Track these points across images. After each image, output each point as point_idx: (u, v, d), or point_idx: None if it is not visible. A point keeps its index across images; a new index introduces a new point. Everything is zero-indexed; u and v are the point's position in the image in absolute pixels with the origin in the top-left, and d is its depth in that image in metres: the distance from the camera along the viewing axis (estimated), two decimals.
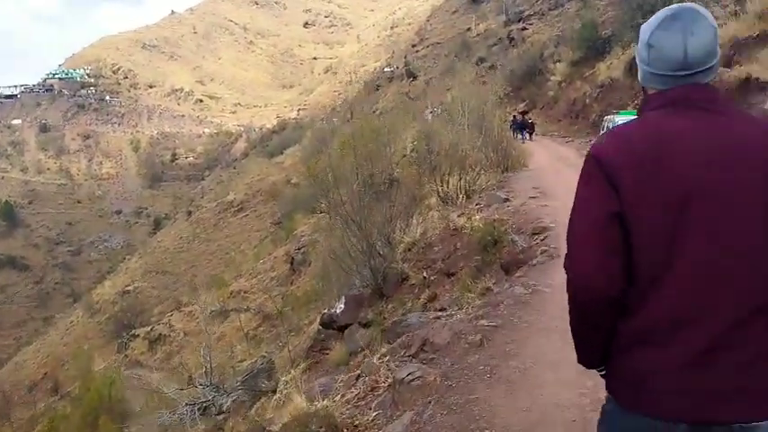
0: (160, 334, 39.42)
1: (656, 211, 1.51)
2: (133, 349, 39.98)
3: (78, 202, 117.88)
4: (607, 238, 1.55)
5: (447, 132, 16.60)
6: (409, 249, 10.44)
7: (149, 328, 41.48)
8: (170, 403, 11.48)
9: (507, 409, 3.92)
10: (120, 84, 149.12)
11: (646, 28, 1.69)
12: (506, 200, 11.40)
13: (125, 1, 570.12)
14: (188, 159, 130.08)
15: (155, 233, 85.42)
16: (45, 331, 64.54)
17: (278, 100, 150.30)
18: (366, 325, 8.73)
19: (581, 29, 29.27)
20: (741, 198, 1.52)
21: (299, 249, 31.10)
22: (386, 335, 6.39)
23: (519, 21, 48.10)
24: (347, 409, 4.62)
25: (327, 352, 9.28)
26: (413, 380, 4.42)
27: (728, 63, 13.12)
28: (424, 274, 9.01)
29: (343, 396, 4.64)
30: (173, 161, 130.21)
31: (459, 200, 12.55)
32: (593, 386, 3.68)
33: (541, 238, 8.00)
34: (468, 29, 60.25)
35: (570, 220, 1.65)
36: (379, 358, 5.06)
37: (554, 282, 5.93)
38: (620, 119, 14.22)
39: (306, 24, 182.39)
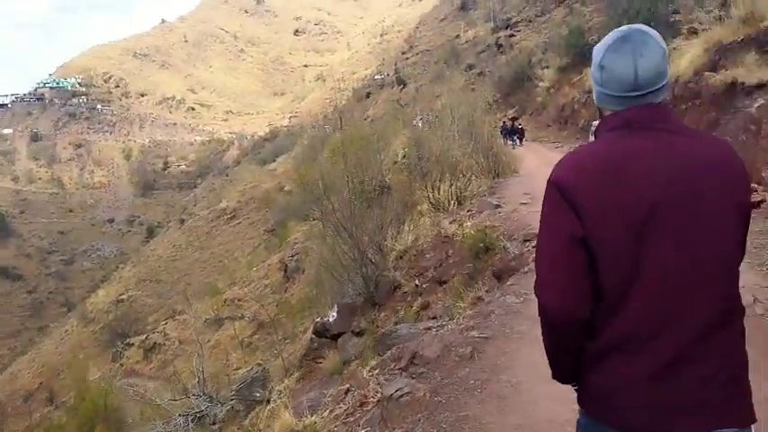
0: (155, 342, 39.28)
1: (619, 233, 1.53)
2: (128, 358, 39.83)
3: (70, 211, 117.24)
4: (573, 264, 1.57)
5: (437, 139, 16.64)
6: (401, 257, 10.47)
7: (144, 337, 41.32)
8: (164, 414, 11.46)
9: (498, 426, 3.82)
10: (111, 92, 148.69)
11: (598, 50, 1.72)
12: (497, 206, 11.40)
13: (115, 10, 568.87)
14: (180, 167, 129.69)
15: (148, 241, 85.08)
16: (39, 341, 64.06)
17: (269, 107, 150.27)
18: (359, 333, 8.78)
19: (568, 35, 29.39)
20: (704, 213, 1.55)
21: (292, 257, 31.13)
22: (376, 346, 6.39)
23: (507, 27, 48.26)
24: (335, 426, 4.56)
25: (321, 361, 9.32)
26: (401, 396, 4.33)
27: (714, 68, 13.24)
28: (416, 282, 9.06)
29: (331, 411, 4.59)
30: (165, 169, 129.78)
31: (451, 206, 12.57)
32: None
33: (533, 244, 8.00)
34: (457, 36, 60.51)
35: (537, 246, 1.70)
36: (369, 371, 5.02)
37: None
38: None
39: (296, 32, 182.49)
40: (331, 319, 9.87)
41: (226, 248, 54.76)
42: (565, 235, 1.58)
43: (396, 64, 72.21)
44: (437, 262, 9.17)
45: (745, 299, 4.81)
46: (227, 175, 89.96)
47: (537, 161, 19.12)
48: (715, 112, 12.58)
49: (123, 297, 56.75)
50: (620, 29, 1.71)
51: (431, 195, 13.27)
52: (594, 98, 1.78)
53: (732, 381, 1.55)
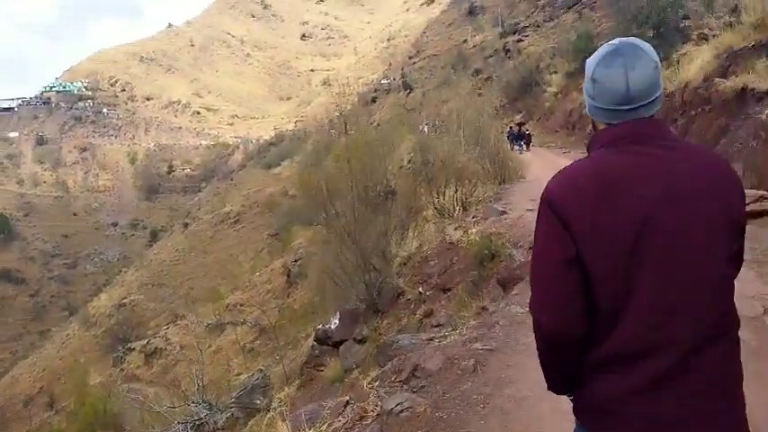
0: (156, 347, 39.16)
1: (611, 251, 1.55)
2: (129, 363, 39.71)
3: (74, 214, 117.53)
4: (566, 283, 1.60)
5: (443, 144, 16.51)
6: (405, 263, 10.31)
7: (145, 342, 41.20)
8: (164, 420, 11.31)
9: None
10: (117, 96, 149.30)
11: (590, 63, 1.72)
12: (503, 212, 11.23)
13: (122, 15, 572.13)
14: (185, 171, 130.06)
15: (151, 245, 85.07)
16: (41, 345, 64.05)
17: (275, 112, 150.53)
18: (361, 341, 8.60)
19: (576, 40, 29.30)
20: (697, 229, 1.55)
21: (295, 261, 31.00)
22: (377, 357, 6.22)
23: (514, 32, 48.30)
24: None
25: (322, 368, 9.14)
26: (402, 411, 4.19)
27: (724, 74, 13.07)
28: (420, 289, 8.89)
29: (330, 425, 4.42)
30: (169, 173, 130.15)
31: (456, 212, 12.42)
32: None
33: None
34: (465, 41, 60.55)
35: (531, 264, 1.72)
36: (369, 383, 4.87)
37: None
38: None
39: (303, 37, 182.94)
40: (333, 326, 9.70)
41: (229, 253, 54.65)
42: (558, 254, 1.60)
43: (402, 69, 72.21)
44: (441, 269, 9.00)
45: (755, 309, 4.67)
46: (231, 180, 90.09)
47: (544, 167, 18.96)
48: (725, 119, 12.42)
49: (125, 301, 56.66)
50: (611, 42, 1.72)
51: (436, 201, 13.11)
52: (587, 111, 1.79)
53: (725, 395, 1.56)
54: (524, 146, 25.33)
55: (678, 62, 16.29)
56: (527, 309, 6.12)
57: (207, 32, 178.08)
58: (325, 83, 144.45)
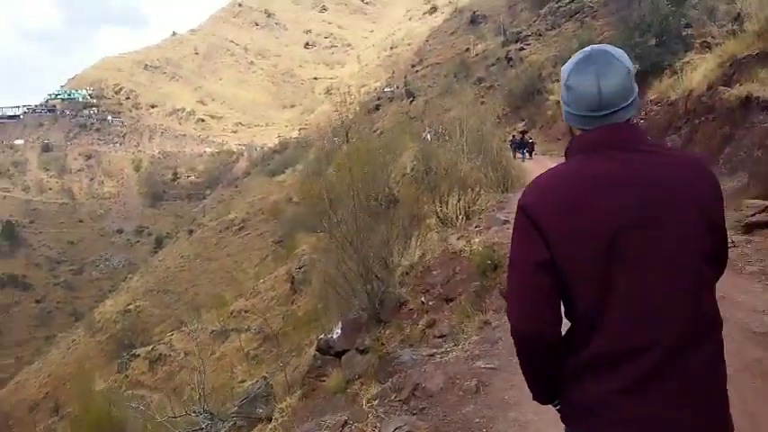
0: (161, 354, 39.09)
1: (585, 257, 1.56)
2: (134, 369, 39.65)
3: (80, 221, 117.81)
4: (539, 287, 1.62)
5: (446, 152, 16.53)
6: (407, 273, 10.27)
7: (150, 348, 41.16)
8: (166, 430, 11.28)
9: None
10: (122, 104, 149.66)
11: (564, 70, 1.75)
12: (506, 221, 11.20)
13: (127, 23, 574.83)
14: (189, 178, 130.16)
15: (156, 252, 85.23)
16: (47, 350, 64.10)
17: (279, 119, 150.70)
18: (363, 351, 8.56)
19: (578, 49, 29.27)
20: (670, 232, 1.56)
21: (299, 268, 30.97)
22: (377, 372, 6.16)
23: (517, 41, 48.32)
24: None
25: (324, 379, 9.08)
26: None
27: (728, 82, 13.06)
28: (423, 299, 8.85)
29: None
30: (174, 180, 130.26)
31: (459, 221, 12.40)
32: None
33: None
34: (467, 49, 60.66)
35: (507, 270, 1.75)
36: (368, 401, 4.79)
37: None
38: None
39: (306, 45, 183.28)
40: (335, 336, 9.65)
41: (234, 260, 54.68)
42: (531, 259, 1.62)
43: (405, 77, 72.28)
44: (444, 279, 8.97)
45: (765, 325, 4.60)
46: (236, 187, 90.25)
47: None
48: (729, 128, 12.38)
49: (131, 307, 56.69)
50: (584, 49, 1.75)
51: (438, 210, 13.10)
52: (563, 117, 1.82)
53: (710, 395, 1.58)
54: (527, 154, 25.33)
55: (682, 70, 16.26)
56: None
57: (211, 41, 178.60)
58: (328, 91, 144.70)
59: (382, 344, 8.37)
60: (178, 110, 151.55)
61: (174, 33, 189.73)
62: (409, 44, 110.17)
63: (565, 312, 1.69)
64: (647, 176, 1.59)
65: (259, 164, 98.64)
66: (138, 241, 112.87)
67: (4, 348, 79.52)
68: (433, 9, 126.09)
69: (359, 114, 58.10)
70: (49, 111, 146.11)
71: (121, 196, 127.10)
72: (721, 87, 12.94)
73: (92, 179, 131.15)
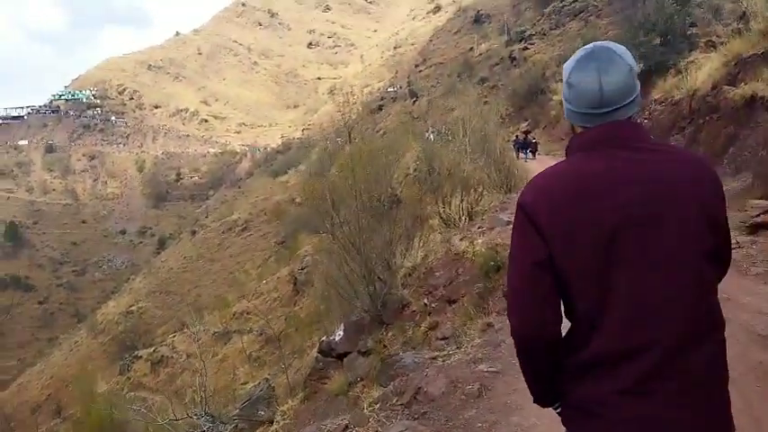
0: (163, 356, 39.06)
1: (585, 255, 1.55)
2: (136, 371, 39.64)
3: (83, 221, 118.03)
4: (537, 285, 1.61)
5: (449, 152, 16.45)
6: (410, 274, 10.19)
7: (152, 350, 41.16)
8: None
9: None
10: (125, 104, 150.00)
11: (566, 67, 1.73)
12: (509, 222, 11.09)
13: (130, 23, 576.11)
14: (192, 179, 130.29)
15: (159, 253, 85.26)
16: (49, 352, 64.18)
17: (282, 120, 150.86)
18: (365, 353, 8.49)
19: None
20: (670, 230, 1.55)
21: (302, 269, 30.90)
22: (379, 376, 6.09)
23: (521, 41, 48.28)
24: None
25: (326, 381, 9.02)
26: None
27: (733, 81, 12.96)
28: (425, 300, 8.78)
29: None
30: (177, 181, 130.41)
31: (462, 222, 12.32)
32: None
33: None
34: (471, 49, 60.65)
35: (507, 269, 1.73)
36: (370, 405, 4.72)
37: None
38: None
39: (309, 45, 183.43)
40: (337, 338, 9.60)
41: (237, 260, 54.63)
42: (530, 258, 1.61)
43: (409, 77, 72.29)
44: (447, 280, 8.89)
45: None
46: (239, 187, 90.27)
47: None
48: (734, 127, 12.29)
49: (133, 308, 56.73)
50: (585, 46, 1.73)
51: (441, 210, 13.02)
52: (565, 115, 1.79)
53: (710, 395, 1.56)
54: (531, 154, 25.24)
55: (686, 70, 16.17)
56: None
57: (214, 41, 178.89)
58: (331, 91, 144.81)
59: (384, 346, 8.31)
60: (181, 110, 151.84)
61: (177, 33, 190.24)
62: (413, 44, 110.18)
63: (565, 312, 1.67)
64: (647, 174, 1.58)
65: (262, 164, 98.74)
66: (140, 242, 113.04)
67: (7, 350, 79.67)
68: (437, 8, 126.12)
69: (362, 114, 58.11)
70: (52, 111, 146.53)
71: (125, 197, 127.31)
72: (726, 87, 12.84)
73: (95, 180, 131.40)
